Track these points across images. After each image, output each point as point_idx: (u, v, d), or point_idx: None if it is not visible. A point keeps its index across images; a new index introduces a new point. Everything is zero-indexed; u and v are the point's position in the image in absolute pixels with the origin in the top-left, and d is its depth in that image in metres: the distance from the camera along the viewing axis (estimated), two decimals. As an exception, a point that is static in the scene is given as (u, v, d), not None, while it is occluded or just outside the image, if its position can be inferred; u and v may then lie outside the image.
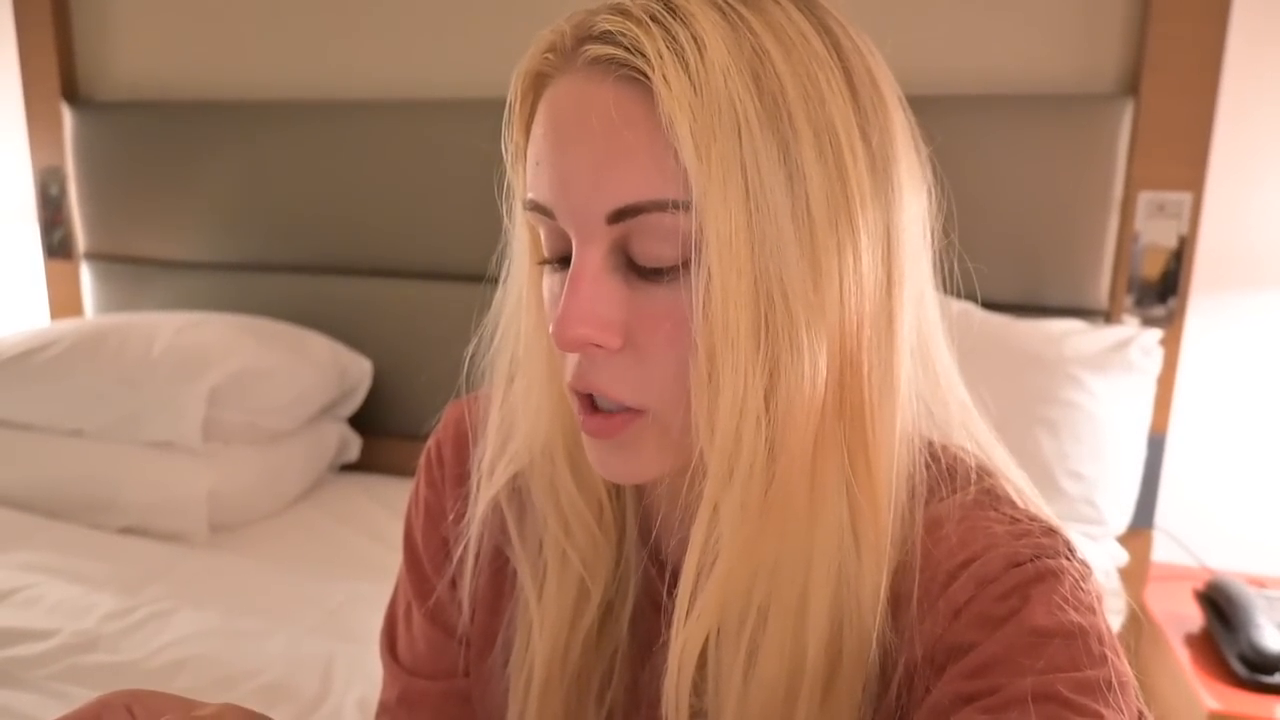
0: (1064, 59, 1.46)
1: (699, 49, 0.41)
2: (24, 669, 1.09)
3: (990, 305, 1.44)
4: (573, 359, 0.48)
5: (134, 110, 1.93)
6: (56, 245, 2.05)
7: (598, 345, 0.45)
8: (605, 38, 0.43)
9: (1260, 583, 1.34)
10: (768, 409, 0.43)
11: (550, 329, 0.45)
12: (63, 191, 2.01)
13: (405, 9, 1.75)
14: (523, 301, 0.54)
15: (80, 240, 2.02)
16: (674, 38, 0.41)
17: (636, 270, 0.45)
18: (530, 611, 0.57)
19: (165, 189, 1.92)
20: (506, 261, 0.55)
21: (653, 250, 0.44)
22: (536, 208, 0.47)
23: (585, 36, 0.44)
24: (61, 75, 1.96)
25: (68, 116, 1.96)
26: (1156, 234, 1.41)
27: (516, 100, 0.49)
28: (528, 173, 0.47)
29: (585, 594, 0.56)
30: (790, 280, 0.42)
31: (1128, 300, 1.44)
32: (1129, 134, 1.40)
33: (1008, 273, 1.47)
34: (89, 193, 1.99)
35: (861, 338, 0.44)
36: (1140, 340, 1.36)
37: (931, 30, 1.50)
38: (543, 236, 0.49)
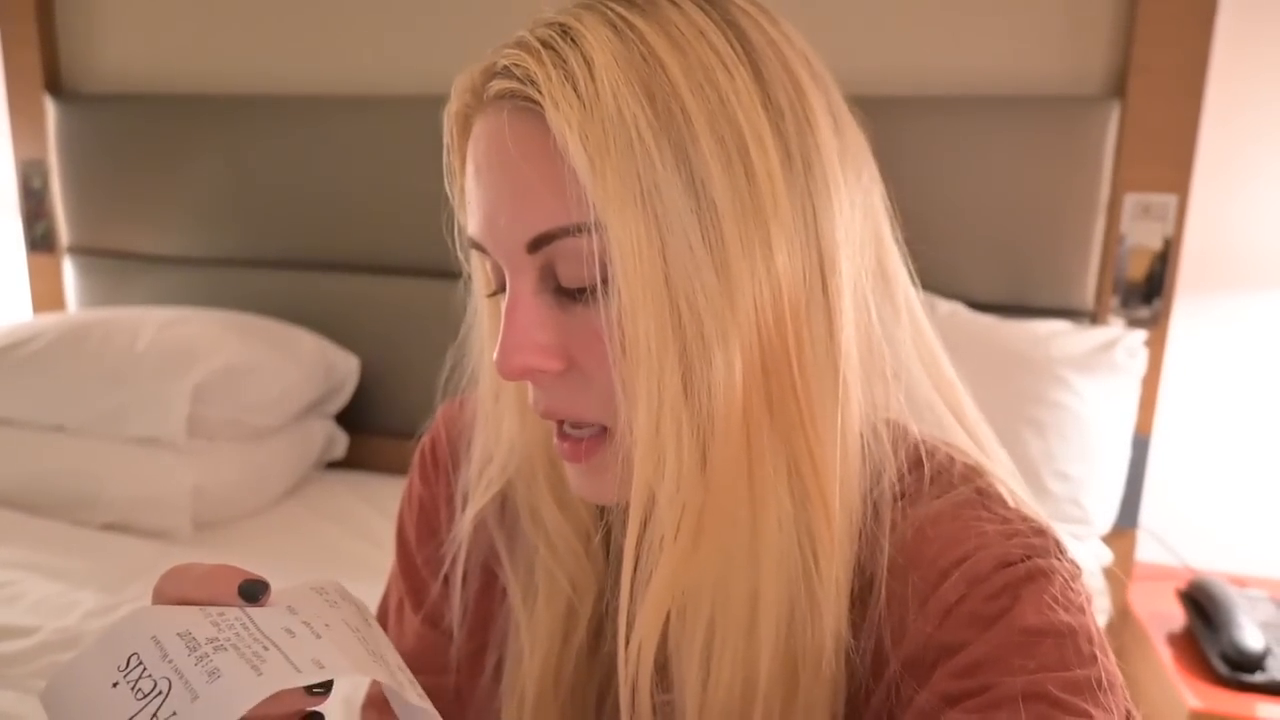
0: (1051, 61, 1.47)
1: (589, 68, 0.41)
2: (3, 666, 1.08)
3: (977, 305, 1.45)
4: (530, 385, 0.48)
5: (118, 103, 1.91)
6: (39, 239, 2.03)
7: (541, 370, 0.46)
8: (505, 73, 0.44)
9: (1241, 582, 1.36)
10: (687, 416, 0.42)
11: (493, 359, 0.46)
12: (45, 184, 1.99)
13: (394, 3, 1.74)
14: (485, 334, 0.55)
15: (63, 234, 2.01)
16: (564, 60, 0.41)
17: (564, 293, 0.45)
18: (522, 631, 0.57)
19: (150, 183, 1.91)
20: (470, 294, 0.56)
21: (573, 273, 0.44)
22: (473, 244, 0.48)
23: (491, 73, 0.45)
24: (45, 67, 1.94)
25: (51, 109, 1.94)
26: (1142, 236, 1.42)
27: (452, 142, 0.50)
28: (466, 211, 0.49)
29: (574, 611, 0.56)
30: (698, 286, 0.41)
31: (1113, 301, 1.45)
32: (1115, 136, 1.41)
33: (995, 273, 1.48)
34: (72, 186, 1.97)
35: (786, 337, 0.43)
36: (1126, 341, 1.38)
37: (919, 31, 1.50)
38: (487, 269, 0.50)
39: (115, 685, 0.35)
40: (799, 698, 0.47)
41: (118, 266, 1.96)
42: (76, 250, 2.00)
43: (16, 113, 1.98)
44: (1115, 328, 1.43)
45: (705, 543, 0.45)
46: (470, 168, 0.47)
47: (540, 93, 0.41)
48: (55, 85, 1.97)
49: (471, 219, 0.48)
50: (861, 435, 0.47)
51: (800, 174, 0.43)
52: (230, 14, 1.85)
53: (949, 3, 1.49)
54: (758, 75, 0.43)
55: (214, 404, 1.53)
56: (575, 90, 0.41)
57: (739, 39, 0.43)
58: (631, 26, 0.42)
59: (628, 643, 0.46)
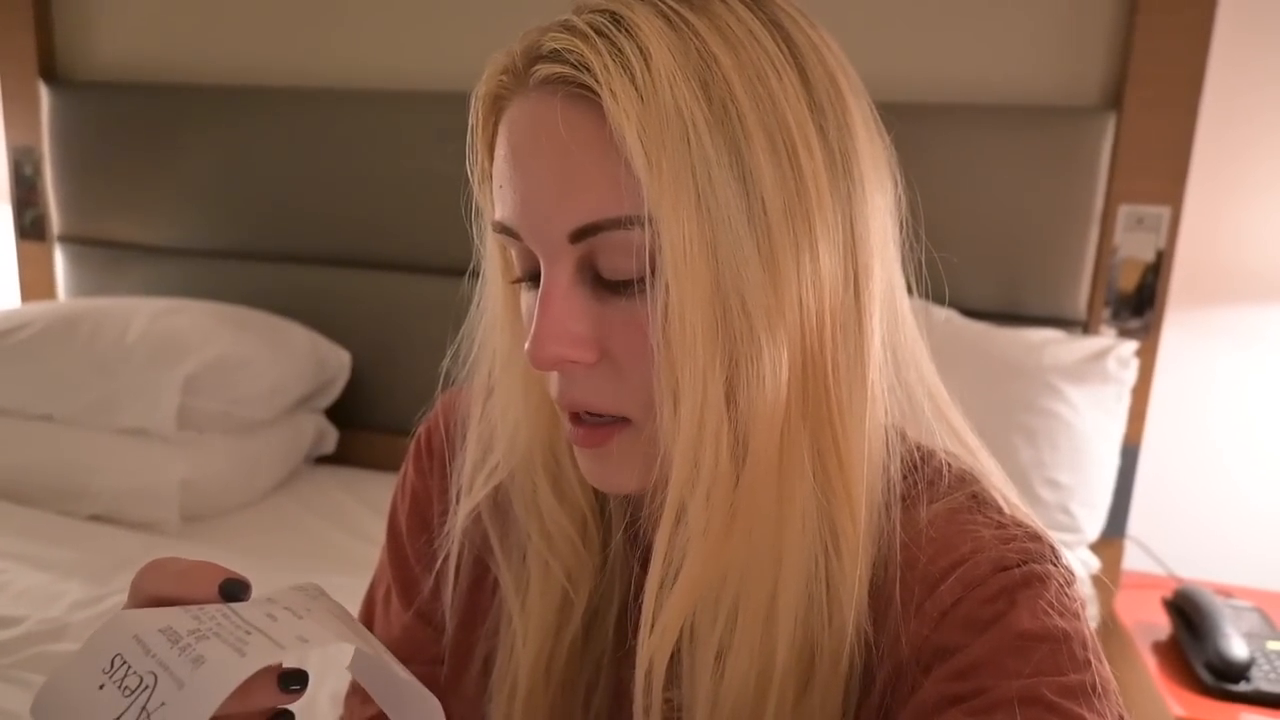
0: (1049, 72, 1.47)
1: (645, 59, 0.41)
2: (-11, 657, 1.08)
3: (971, 313, 1.46)
4: (555, 376, 0.48)
5: (113, 91, 1.90)
6: (29, 226, 2.02)
7: (573, 361, 0.45)
8: (553, 56, 0.43)
9: (1227, 592, 1.37)
10: (729, 412, 0.43)
11: (525, 348, 0.45)
12: (37, 172, 1.97)
13: (394, -1, 1.74)
14: (497, 320, 0.54)
15: (54, 222, 1.99)
16: (620, 50, 0.41)
17: (604, 284, 0.45)
18: (514, 622, 0.57)
19: (144, 172, 1.90)
20: (480, 280, 0.55)
21: (617, 265, 0.44)
22: (504, 230, 0.47)
23: (535, 56, 0.44)
24: (39, 53, 1.93)
25: (45, 96, 1.93)
26: (1135, 247, 1.43)
27: (478, 123, 0.49)
28: (493, 195, 0.48)
29: (569, 603, 0.56)
30: (747, 283, 0.42)
31: (1105, 312, 1.46)
32: (1110, 148, 1.42)
33: (989, 281, 1.49)
34: (65, 174, 1.96)
35: (824, 336, 0.44)
36: (1117, 351, 1.38)
37: (919, 39, 1.51)
38: (514, 256, 0.49)
39: (102, 687, 0.35)
40: (814, 692, 0.47)
41: (109, 256, 1.94)
42: (68, 239, 1.98)
43: (10, 99, 1.97)
44: (1107, 337, 1.44)
45: (734, 536, 0.45)
46: (504, 151, 0.46)
47: (597, 81, 0.41)
48: (50, 72, 1.96)
49: (503, 204, 0.47)
50: (886, 436, 0.48)
51: (842, 177, 0.44)
52: (226, 4, 1.84)
53: (947, 11, 1.50)
54: (804, 77, 0.43)
55: (204, 396, 1.52)
56: (633, 81, 0.40)
57: (785, 41, 0.44)
58: (685, 21, 0.42)
59: (650, 634, 0.46)
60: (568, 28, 0.43)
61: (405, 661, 0.62)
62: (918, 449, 0.51)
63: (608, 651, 0.57)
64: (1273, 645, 1.22)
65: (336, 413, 1.80)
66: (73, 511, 1.47)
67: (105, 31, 1.94)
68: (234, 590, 0.40)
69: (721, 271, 0.41)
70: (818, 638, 0.47)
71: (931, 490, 0.49)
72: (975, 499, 0.49)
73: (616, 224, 0.43)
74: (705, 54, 0.41)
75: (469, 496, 0.58)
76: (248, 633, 0.37)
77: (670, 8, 0.42)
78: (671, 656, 0.47)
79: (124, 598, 1.27)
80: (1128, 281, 1.45)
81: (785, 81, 0.42)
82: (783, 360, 0.43)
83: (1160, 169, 1.40)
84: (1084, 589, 1.32)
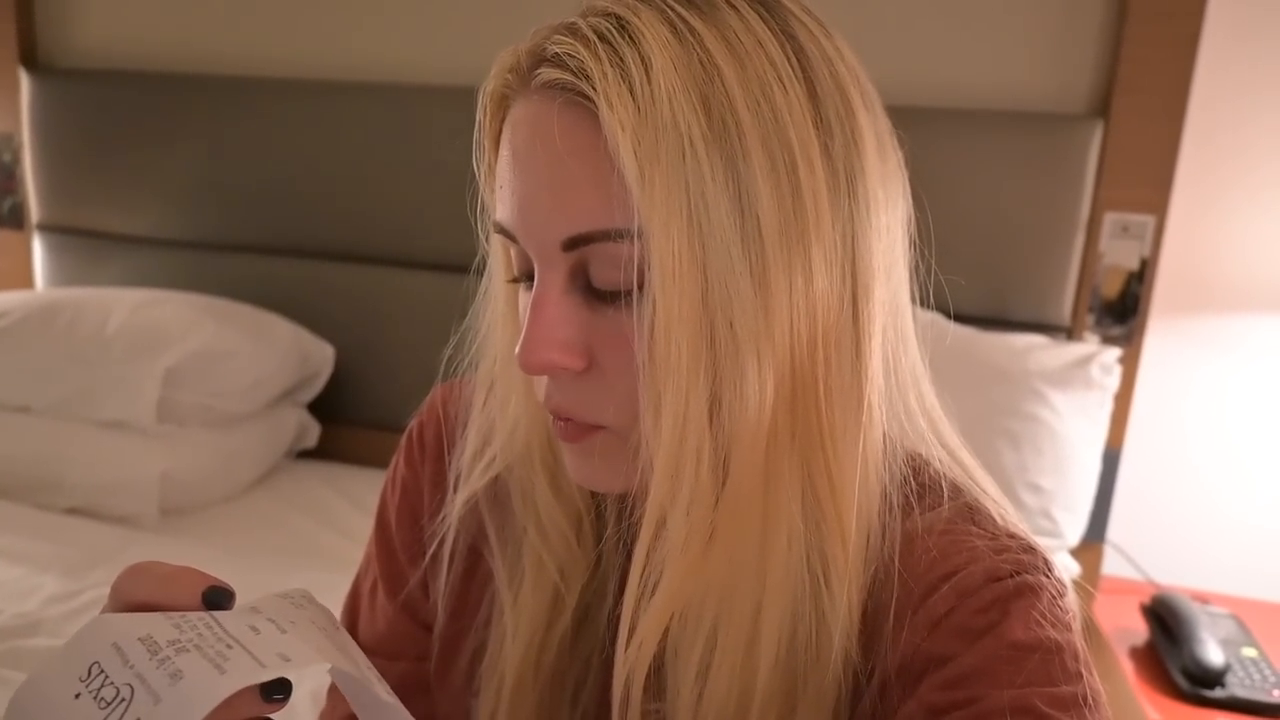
0: (1037, 78, 1.48)
1: (645, 69, 0.40)
2: (-38, 652, 1.06)
3: (956, 317, 1.46)
4: (542, 378, 0.48)
5: (95, 79, 1.88)
6: (7, 214, 1.99)
7: (562, 368, 0.45)
8: (555, 61, 0.43)
9: (1204, 598, 1.38)
10: (711, 431, 0.42)
11: (515, 352, 0.45)
12: (16, 159, 1.95)
13: (383, -9, 1.73)
14: (499, 315, 0.54)
15: (33, 210, 1.96)
16: (621, 58, 0.40)
17: (595, 293, 0.45)
18: (506, 615, 0.56)
19: (126, 161, 1.87)
20: (485, 274, 0.55)
21: (607, 275, 0.44)
22: (502, 230, 0.47)
23: (539, 58, 0.44)
24: (20, 40, 1.90)
25: (25, 82, 1.90)
26: (1119, 255, 1.44)
27: (485, 119, 0.49)
28: (495, 194, 0.48)
29: (560, 598, 0.56)
30: (736, 303, 0.41)
31: (1089, 318, 1.47)
32: (1097, 155, 1.43)
33: (974, 286, 1.49)
34: (45, 162, 1.93)
35: (816, 359, 0.43)
36: (1100, 358, 1.39)
37: (908, 44, 1.51)
38: (512, 256, 0.49)
39: (78, 696, 0.34)
40: (797, 715, 0.47)
41: (89, 245, 1.92)
42: (47, 227, 1.96)
43: (-11, 85, 1.94)
44: (1091, 344, 1.45)
45: (714, 554, 0.45)
46: (506, 152, 0.46)
47: (595, 90, 0.40)
48: (30, 59, 1.93)
49: (502, 205, 0.46)
50: (885, 459, 0.48)
51: (844, 196, 0.43)
52: (214, -7, 1.82)
53: (936, 16, 1.50)
54: (811, 92, 0.42)
55: (185, 388, 1.51)
56: (631, 92, 0.40)
57: (796, 52, 0.43)
58: (691, 29, 0.41)
59: (628, 646, 0.46)
60: (572, 31, 0.42)
61: (391, 658, 0.62)
62: (911, 459, 0.51)
63: (597, 651, 0.57)
64: (1248, 652, 1.23)
65: (319, 407, 1.78)
66: (49, 504, 1.45)
67: (87, 18, 1.91)
68: (218, 598, 0.39)
69: (710, 290, 0.41)
70: (803, 661, 0.46)
71: (924, 502, 0.49)
72: (969, 510, 0.49)
73: (607, 235, 0.42)
74: (709, 65, 0.41)
75: (466, 484, 0.58)
76: (229, 646, 0.36)
77: (678, 15, 0.42)
78: (658, 668, 0.47)
79: (100, 593, 1.25)
80: (1111, 288, 1.46)
81: (791, 96, 0.42)
82: (769, 382, 0.42)
83: (1146, 177, 1.41)
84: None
